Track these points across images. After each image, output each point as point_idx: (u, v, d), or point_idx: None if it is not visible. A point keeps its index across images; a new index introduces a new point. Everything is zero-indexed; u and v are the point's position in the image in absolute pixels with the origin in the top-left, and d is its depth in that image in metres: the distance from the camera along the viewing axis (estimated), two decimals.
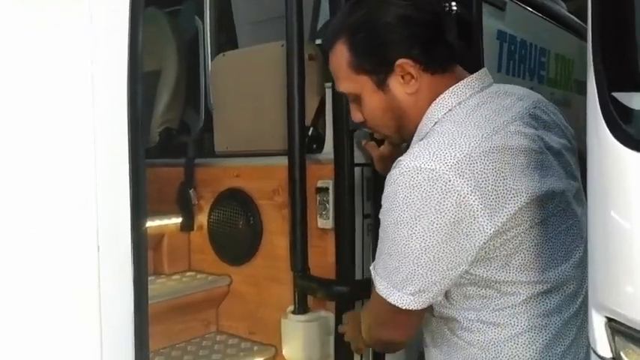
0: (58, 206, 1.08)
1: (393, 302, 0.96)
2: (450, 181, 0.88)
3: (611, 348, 0.57)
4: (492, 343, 0.98)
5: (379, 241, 0.99)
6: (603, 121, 0.57)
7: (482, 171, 0.88)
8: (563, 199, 0.98)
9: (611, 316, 0.56)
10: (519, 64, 2.49)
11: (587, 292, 1.02)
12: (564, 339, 0.99)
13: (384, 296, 0.97)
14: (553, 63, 2.83)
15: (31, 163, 1.00)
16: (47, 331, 1.08)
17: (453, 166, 0.88)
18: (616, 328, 0.55)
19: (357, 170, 1.80)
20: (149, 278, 2.27)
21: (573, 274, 0.99)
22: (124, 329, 1.26)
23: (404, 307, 0.96)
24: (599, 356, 0.58)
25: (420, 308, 0.97)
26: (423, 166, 0.89)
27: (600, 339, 0.58)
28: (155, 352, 2.06)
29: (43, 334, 1.07)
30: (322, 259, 1.91)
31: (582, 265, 0.99)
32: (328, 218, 1.87)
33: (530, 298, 0.96)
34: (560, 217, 0.97)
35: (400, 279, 0.94)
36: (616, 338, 0.56)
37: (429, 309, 1.07)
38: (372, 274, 1.02)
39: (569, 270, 0.98)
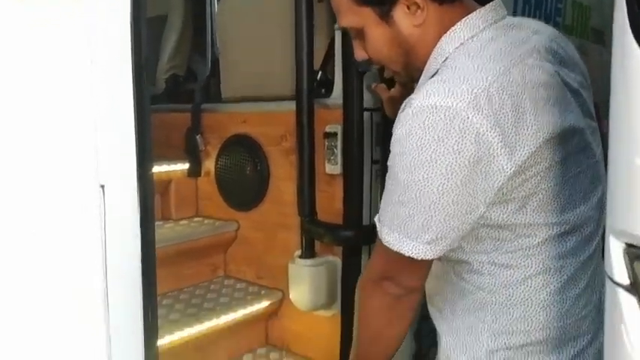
0: (63, 151, 1.06)
1: (407, 253, 0.90)
2: (467, 118, 0.82)
3: (628, 274, 0.55)
4: (503, 285, 0.95)
5: (386, 190, 0.93)
6: (630, 32, 0.54)
7: (501, 107, 0.84)
8: (583, 138, 0.94)
9: (631, 242, 0.55)
10: (535, 10, 2.42)
11: (603, 234, 1.01)
12: (578, 282, 0.96)
13: (395, 249, 0.91)
14: (570, 9, 2.74)
15: (34, 112, 0.98)
16: (52, 269, 1.07)
17: (470, 103, 0.83)
18: (635, 253, 0.54)
19: (366, 115, 1.77)
20: (157, 223, 2.29)
21: (591, 215, 0.95)
22: (131, 272, 1.27)
23: (419, 258, 0.90)
24: (616, 283, 0.57)
25: (436, 257, 0.92)
26: (437, 104, 0.84)
27: (618, 266, 0.57)
28: (163, 295, 2.09)
29: (48, 269, 1.07)
30: (330, 205, 1.90)
31: (600, 206, 0.97)
32: (336, 164, 1.85)
33: (546, 240, 0.92)
34: (580, 156, 0.93)
35: (414, 228, 0.89)
36: (635, 264, 0.54)
37: None
38: (378, 227, 0.96)
39: (588, 211, 0.94)
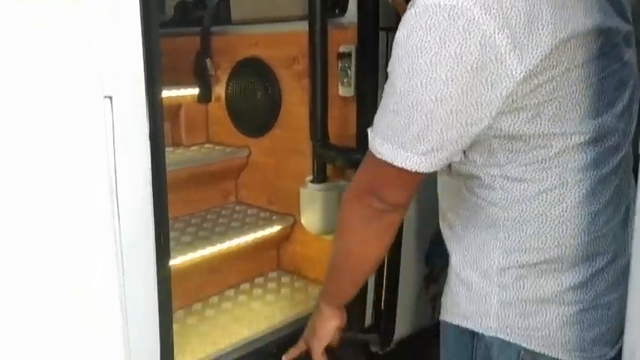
0: (66, 60, 1.01)
1: (399, 164, 0.86)
2: (473, 18, 0.76)
3: None
4: (516, 200, 0.90)
5: (383, 98, 0.88)
6: None
7: (513, 4, 0.77)
8: (609, 39, 0.86)
9: None
10: None
11: (629, 147, 0.95)
12: (599, 197, 0.90)
13: (388, 160, 0.87)
14: None
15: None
16: (58, 188, 1.05)
17: (477, 1, 0.76)
18: None
19: (381, 34, 1.70)
20: (167, 149, 2.27)
21: (615, 125, 0.89)
22: (141, 195, 1.26)
23: (413, 170, 0.86)
24: None
25: (431, 171, 0.88)
26: (442, 2, 0.77)
27: None
28: (175, 219, 2.10)
29: (54, 188, 1.05)
30: (342, 129, 1.86)
31: (627, 115, 0.91)
32: (350, 86, 1.80)
33: (564, 151, 0.87)
34: (605, 59, 0.85)
35: (409, 137, 0.84)
36: None
37: (444, 168, 0.98)
38: (370, 137, 0.90)
39: (611, 120, 0.88)
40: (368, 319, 1.91)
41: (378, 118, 0.90)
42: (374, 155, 0.90)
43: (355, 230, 1.01)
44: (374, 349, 1.90)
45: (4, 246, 0.98)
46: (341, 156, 1.79)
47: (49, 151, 1.00)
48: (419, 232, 1.81)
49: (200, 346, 1.67)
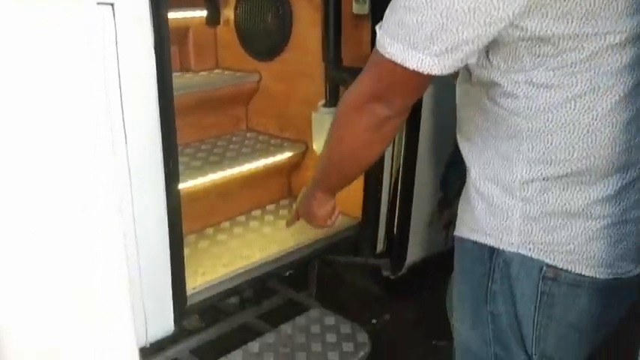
0: None
1: (411, 66, 0.80)
2: None
3: None
4: (541, 109, 0.84)
5: None
6: None
7: None
8: None
9: None
10: None
11: None
12: (633, 104, 0.84)
13: (398, 61, 0.80)
14: None
15: None
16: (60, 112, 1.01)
17: None
18: None
19: None
20: (175, 74, 2.21)
21: None
22: (150, 120, 1.22)
23: (425, 72, 0.80)
24: None
25: (444, 73, 0.82)
26: None
27: None
28: (185, 145, 2.07)
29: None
30: (356, 50, 1.79)
31: None
32: (365, 2, 1.71)
33: (596, 54, 0.79)
34: None
35: (422, 37, 0.78)
36: None
37: (465, 75, 0.94)
38: (379, 36, 0.83)
39: None
40: (380, 246, 1.91)
41: (389, 15, 0.83)
42: (382, 56, 0.83)
43: (358, 137, 0.96)
44: (385, 273, 1.90)
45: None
46: (354, 77, 1.72)
47: (49, 66, 0.96)
48: (434, 155, 1.77)
49: (212, 268, 1.68)
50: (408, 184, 1.78)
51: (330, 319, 1.92)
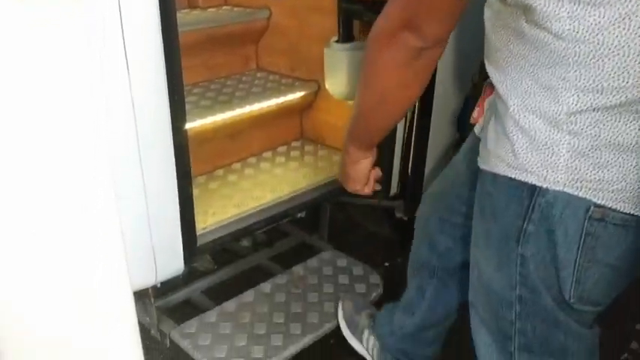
0: None
1: None
2: None
3: None
4: (590, 31, 0.74)
5: None
6: None
7: None
8: None
9: None
10: None
11: None
12: None
13: None
14: None
15: None
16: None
17: None
18: None
19: None
20: (183, 11, 2.13)
21: None
22: (153, 53, 1.16)
23: None
24: None
25: None
26: None
27: None
28: (193, 85, 2.01)
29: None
30: None
31: None
32: None
33: None
34: None
35: None
36: None
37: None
38: None
39: None
40: (394, 189, 1.86)
41: None
42: None
43: (391, 74, 0.90)
44: (398, 215, 1.86)
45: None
46: (369, 10, 1.64)
47: None
48: (452, 93, 1.70)
49: (222, 208, 1.65)
50: (424, 124, 1.71)
51: (343, 261, 1.91)
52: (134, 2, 1.10)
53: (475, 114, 1.08)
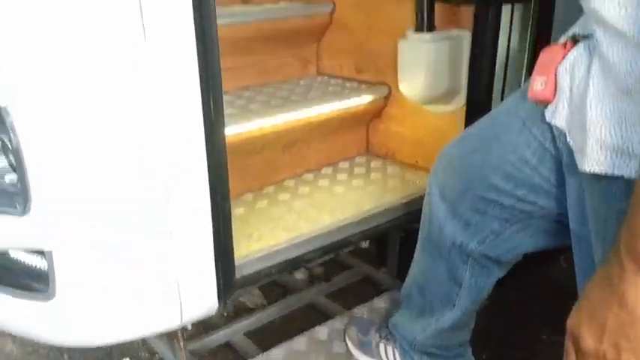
0: None
1: None
2: None
3: None
4: None
5: None
6: None
7: None
8: None
9: None
10: None
11: None
12: None
13: None
14: None
15: None
16: None
17: None
18: None
19: None
20: (234, 6, 1.88)
21: None
22: (181, 44, 0.88)
23: None
24: None
25: None
26: None
27: None
28: (242, 88, 1.74)
29: None
30: None
31: None
32: None
33: None
34: None
35: None
36: None
37: None
38: None
39: None
40: None
41: None
42: None
43: None
44: None
45: None
46: None
47: None
48: None
49: (270, 232, 1.35)
50: None
51: None
52: None
53: (539, 86, 0.74)
